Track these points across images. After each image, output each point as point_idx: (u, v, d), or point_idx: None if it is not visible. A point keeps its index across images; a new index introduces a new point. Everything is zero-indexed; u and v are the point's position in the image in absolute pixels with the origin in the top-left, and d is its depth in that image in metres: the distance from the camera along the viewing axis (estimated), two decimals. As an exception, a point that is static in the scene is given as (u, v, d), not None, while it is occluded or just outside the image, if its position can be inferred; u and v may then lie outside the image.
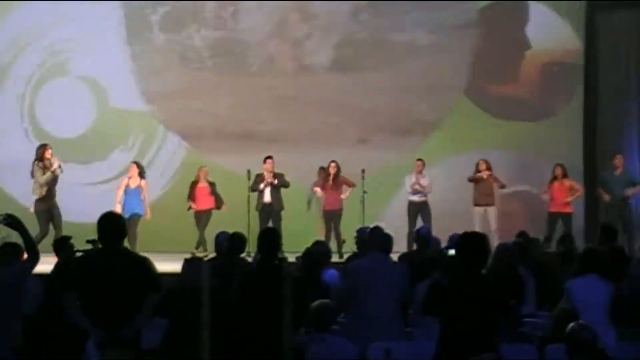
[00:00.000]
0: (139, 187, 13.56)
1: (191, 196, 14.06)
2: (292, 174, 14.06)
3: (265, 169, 13.80)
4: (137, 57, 15.76)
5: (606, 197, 14.16)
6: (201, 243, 13.82)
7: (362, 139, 15.84)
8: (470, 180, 14.10)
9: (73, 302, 6.00)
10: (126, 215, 12.31)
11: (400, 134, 15.84)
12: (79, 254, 7.24)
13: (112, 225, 6.14)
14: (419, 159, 14.32)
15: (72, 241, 8.95)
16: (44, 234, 12.37)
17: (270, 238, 6.86)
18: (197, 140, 15.86)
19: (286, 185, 13.79)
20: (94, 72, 15.61)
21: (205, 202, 14.09)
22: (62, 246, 8.95)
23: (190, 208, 14.07)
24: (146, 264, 6.22)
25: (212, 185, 14.16)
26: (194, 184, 14.15)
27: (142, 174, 13.68)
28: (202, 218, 14.02)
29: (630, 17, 15.96)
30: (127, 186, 13.53)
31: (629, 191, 14.10)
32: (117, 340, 5.88)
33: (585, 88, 16.11)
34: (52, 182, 12.77)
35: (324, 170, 14.11)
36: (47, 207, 12.68)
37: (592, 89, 16.16)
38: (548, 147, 15.49)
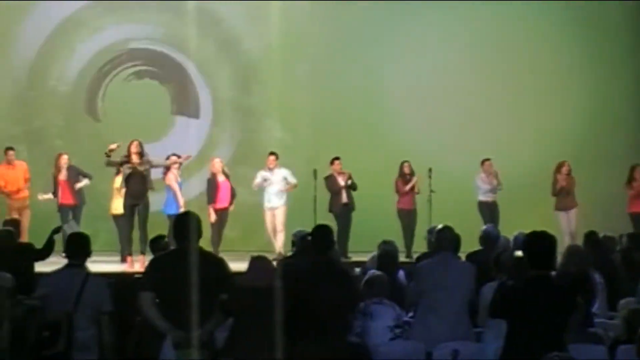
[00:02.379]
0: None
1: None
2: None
3: (334, 170, 13.82)
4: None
5: None
6: None
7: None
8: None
9: (149, 302, 6.04)
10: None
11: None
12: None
13: (189, 225, 6.13)
14: (486, 159, 14.21)
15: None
16: None
17: (323, 236, 6.66)
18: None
19: (354, 187, 13.79)
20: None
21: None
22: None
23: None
24: (222, 264, 6.26)
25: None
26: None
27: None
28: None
29: None
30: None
31: None
32: (194, 340, 5.91)
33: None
34: None
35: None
36: None
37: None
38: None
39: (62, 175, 13.62)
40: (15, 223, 10.47)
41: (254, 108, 15.96)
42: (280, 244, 13.40)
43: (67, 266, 6.90)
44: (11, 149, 13.87)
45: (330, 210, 13.75)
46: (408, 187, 13.97)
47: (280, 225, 13.54)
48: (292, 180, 13.71)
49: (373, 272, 7.63)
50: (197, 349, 5.94)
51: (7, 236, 9.26)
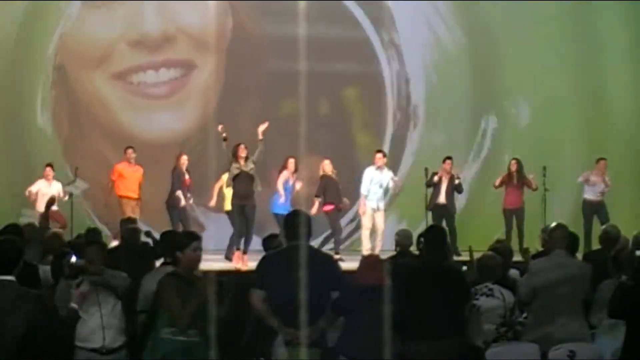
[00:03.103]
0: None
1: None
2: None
3: (443, 169, 13.72)
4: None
5: None
6: None
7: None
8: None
9: (261, 300, 6.08)
10: None
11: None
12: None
13: (299, 224, 6.14)
14: (602, 158, 13.91)
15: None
16: None
17: (435, 236, 6.60)
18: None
19: (460, 190, 13.66)
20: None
21: None
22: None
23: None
24: (332, 263, 6.28)
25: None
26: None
27: None
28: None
29: None
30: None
31: None
32: (304, 338, 5.93)
33: None
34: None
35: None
36: None
37: None
38: None
39: (187, 175, 13.47)
40: (135, 222, 10.46)
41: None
42: (380, 247, 13.05)
43: (162, 265, 6.97)
44: (131, 147, 13.69)
45: (428, 207, 13.68)
46: (497, 182, 13.83)
47: (381, 229, 13.27)
48: (397, 179, 13.57)
49: (484, 252, 7.50)
50: (308, 347, 5.96)
51: (133, 235, 8.99)
